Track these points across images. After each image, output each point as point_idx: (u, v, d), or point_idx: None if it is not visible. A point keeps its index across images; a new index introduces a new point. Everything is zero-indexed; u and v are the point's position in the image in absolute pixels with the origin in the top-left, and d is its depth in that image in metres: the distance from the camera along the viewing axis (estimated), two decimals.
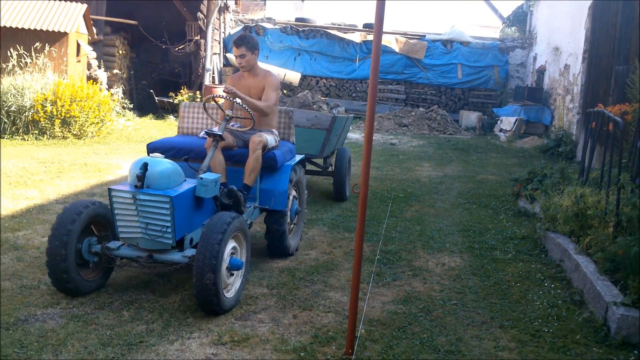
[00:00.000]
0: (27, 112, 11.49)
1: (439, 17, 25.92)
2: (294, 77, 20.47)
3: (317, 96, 10.55)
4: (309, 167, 8.59)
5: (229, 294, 4.38)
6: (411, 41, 20.51)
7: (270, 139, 5.47)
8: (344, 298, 4.70)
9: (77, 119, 11.76)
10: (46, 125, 11.59)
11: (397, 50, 20.29)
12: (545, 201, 6.67)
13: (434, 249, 6.20)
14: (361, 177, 3.57)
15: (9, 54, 12.24)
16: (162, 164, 4.35)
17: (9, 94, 11.53)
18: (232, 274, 4.43)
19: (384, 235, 6.53)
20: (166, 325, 4.07)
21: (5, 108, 11.48)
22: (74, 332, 3.91)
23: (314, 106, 9.32)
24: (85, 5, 13.80)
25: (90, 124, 12.05)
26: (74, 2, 13.71)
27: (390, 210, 7.73)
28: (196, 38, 17.41)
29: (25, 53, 12.37)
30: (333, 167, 8.37)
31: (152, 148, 5.48)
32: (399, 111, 18.49)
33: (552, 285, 5.20)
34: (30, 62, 12.45)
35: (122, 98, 15.58)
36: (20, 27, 12.60)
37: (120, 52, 16.79)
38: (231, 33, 21.08)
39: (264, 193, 5.43)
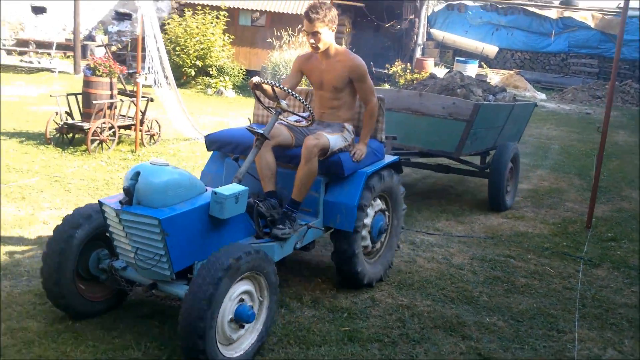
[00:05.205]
0: None
1: None
2: (491, 50, 22.61)
3: (472, 77, 8.29)
4: (461, 167, 7.46)
5: (234, 352, 3.31)
6: (607, 17, 21.77)
7: (336, 139, 4.12)
8: (576, 206, 7.22)
9: None
10: None
11: (592, 26, 21.68)
12: None
13: (636, 187, 8.44)
14: (603, 123, 6.10)
15: (279, 34, 15.76)
16: (159, 173, 3.29)
17: (280, 65, 15.02)
18: (240, 327, 3.33)
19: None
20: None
21: (278, 77, 15.00)
22: None
23: (459, 90, 7.18)
24: None
25: None
26: None
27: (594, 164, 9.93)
28: (411, 17, 20.15)
29: (292, 33, 15.84)
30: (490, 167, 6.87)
31: (210, 141, 4.43)
32: (593, 84, 20.01)
33: None
34: (292, 40, 15.88)
35: None
36: (285, 12, 16.08)
37: (347, 30, 19.97)
38: (434, 10, 23.63)
39: (327, 207, 4.15)
